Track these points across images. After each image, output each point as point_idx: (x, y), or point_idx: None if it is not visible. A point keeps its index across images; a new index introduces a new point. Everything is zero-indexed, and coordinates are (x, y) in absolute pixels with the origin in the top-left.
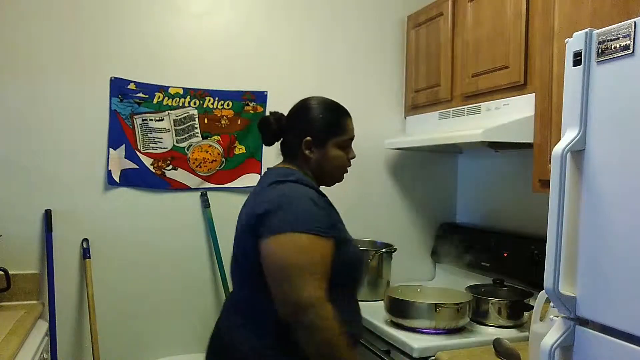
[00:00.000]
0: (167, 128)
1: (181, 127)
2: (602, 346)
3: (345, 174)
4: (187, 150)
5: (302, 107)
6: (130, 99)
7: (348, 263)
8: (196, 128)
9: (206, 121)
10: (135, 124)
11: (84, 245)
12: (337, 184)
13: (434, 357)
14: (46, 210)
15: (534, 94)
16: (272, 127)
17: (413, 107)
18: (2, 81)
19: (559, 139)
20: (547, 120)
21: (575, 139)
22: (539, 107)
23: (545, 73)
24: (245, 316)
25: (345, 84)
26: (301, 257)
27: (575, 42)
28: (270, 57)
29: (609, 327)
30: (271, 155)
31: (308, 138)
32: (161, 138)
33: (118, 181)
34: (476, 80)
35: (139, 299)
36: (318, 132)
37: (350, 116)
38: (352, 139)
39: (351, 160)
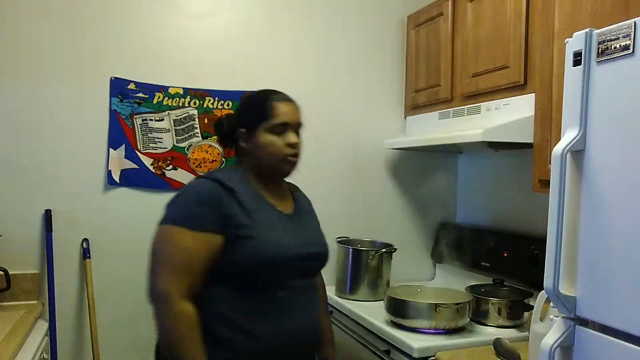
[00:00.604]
0: (167, 128)
1: (181, 127)
2: (602, 346)
3: (293, 164)
4: (187, 150)
5: (239, 103)
6: (130, 99)
7: (244, 261)
8: (196, 128)
9: (206, 121)
10: (135, 124)
11: (84, 245)
12: (335, 183)
13: (434, 357)
14: (46, 210)
15: (534, 94)
16: (224, 128)
17: (413, 107)
18: (2, 81)
19: (559, 139)
20: (547, 120)
21: (575, 139)
22: (539, 107)
23: (545, 73)
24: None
25: (345, 84)
26: (163, 248)
27: (575, 42)
28: (270, 57)
29: (609, 327)
30: None
31: (241, 130)
32: (161, 138)
33: (118, 181)
34: (476, 80)
35: (139, 298)
36: (246, 121)
37: (284, 100)
38: (285, 123)
39: (292, 146)
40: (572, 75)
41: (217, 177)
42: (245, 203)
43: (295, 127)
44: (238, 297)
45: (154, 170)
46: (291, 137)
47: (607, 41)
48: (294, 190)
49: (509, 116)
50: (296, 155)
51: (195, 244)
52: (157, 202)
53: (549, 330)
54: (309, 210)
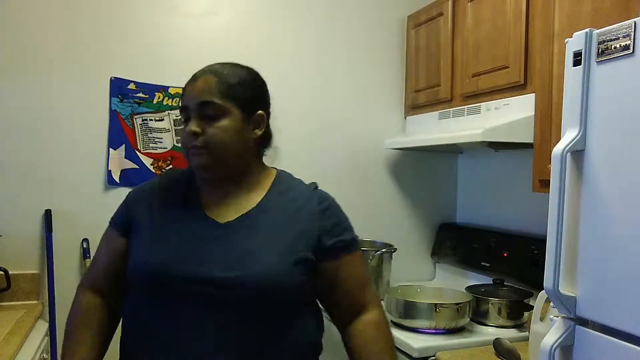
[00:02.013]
0: (167, 128)
1: (181, 127)
2: (602, 346)
3: (197, 159)
4: None
5: None
6: (130, 99)
7: (130, 265)
8: None
9: None
10: (135, 124)
11: (84, 245)
12: (335, 183)
13: (434, 357)
14: (46, 210)
15: (534, 94)
16: None
17: (413, 107)
18: (1, 81)
19: (559, 139)
20: (547, 120)
21: (575, 139)
22: (539, 107)
23: (545, 73)
24: None
25: (345, 84)
26: None
27: (575, 42)
28: (270, 56)
29: (609, 327)
30: (271, 155)
31: None
32: (161, 138)
33: (118, 181)
34: (476, 80)
35: None
36: None
37: (192, 79)
38: (185, 107)
39: (191, 136)
40: (572, 75)
41: (161, 175)
42: (155, 206)
43: (197, 110)
44: (127, 312)
45: (154, 170)
46: (190, 125)
47: (607, 41)
48: (283, 190)
49: (509, 116)
50: (198, 147)
51: (104, 240)
52: None
53: (549, 330)
54: (274, 221)
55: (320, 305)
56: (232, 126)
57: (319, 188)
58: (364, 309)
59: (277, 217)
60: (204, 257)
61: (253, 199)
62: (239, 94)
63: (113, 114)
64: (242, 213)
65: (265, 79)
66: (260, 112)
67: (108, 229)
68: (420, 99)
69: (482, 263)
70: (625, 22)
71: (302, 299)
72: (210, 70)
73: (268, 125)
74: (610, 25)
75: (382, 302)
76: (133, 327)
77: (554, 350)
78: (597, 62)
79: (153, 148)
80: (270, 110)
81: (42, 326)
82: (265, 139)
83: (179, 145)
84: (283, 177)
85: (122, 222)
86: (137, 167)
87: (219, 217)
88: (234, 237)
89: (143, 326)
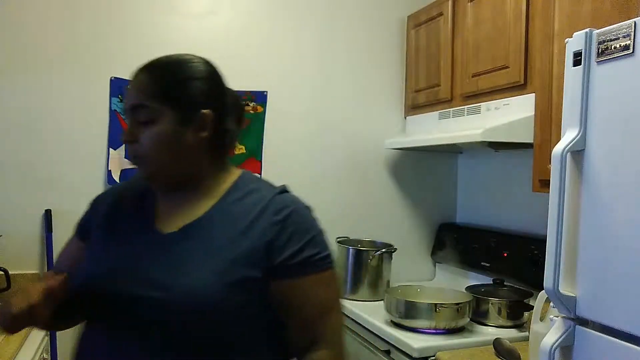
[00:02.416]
0: None
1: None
2: (602, 346)
3: (137, 165)
4: None
5: None
6: None
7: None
8: None
9: None
10: None
11: None
12: (335, 183)
13: (434, 357)
14: (46, 210)
15: (534, 94)
16: None
17: (413, 107)
18: (2, 81)
19: (559, 139)
20: (547, 120)
21: (575, 139)
22: (539, 107)
23: (545, 73)
24: None
25: (345, 84)
26: None
27: (575, 42)
28: (270, 57)
29: (609, 327)
30: (271, 155)
31: None
32: None
33: (118, 181)
34: (476, 80)
35: None
36: None
37: (130, 79)
38: (124, 111)
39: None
40: (572, 75)
41: (128, 180)
42: (110, 213)
43: (130, 114)
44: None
45: None
46: (123, 133)
47: (607, 41)
48: (239, 196)
49: (509, 116)
50: (133, 157)
51: (68, 245)
52: None
53: (549, 330)
54: (220, 232)
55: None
56: (165, 132)
57: (288, 192)
58: (315, 345)
59: (225, 229)
60: (137, 273)
61: (203, 208)
62: (175, 93)
63: (113, 114)
64: (187, 223)
65: (264, 78)
66: (205, 111)
67: (72, 235)
68: (420, 99)
69: (482, 263)
70: (625, 22)
71: (249, 325)
72: (147, 66)
73: (223, 124)
74: (610, 25)
75: (342, 340)
76: (75, 348)
77: (554, 350)
78: (597, 62)
79: None
80: (229, 106)
81: None
82: (220, 140)
83: None
84: (245, 181)
85: (81, 226)
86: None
87: (166, 228)
88: (171, 251)
89: (79, 347)
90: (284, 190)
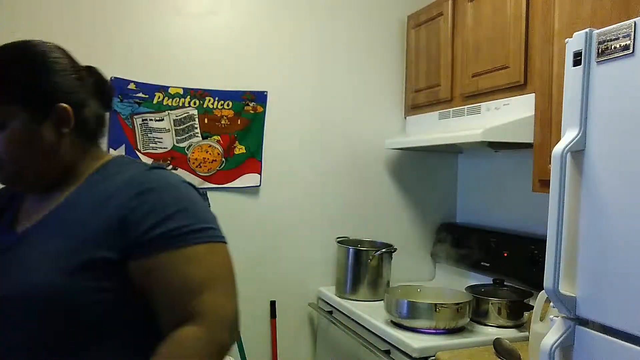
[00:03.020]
0: (167, 128)
1: (181, 127)
2: (602, 346)
3: None
4: (187, 150)
5: None
6: (130, 99)
7: None
8: (196, 128)
9: (206, 121)
10: (135, 124)
11: None
12: (335, 183)
13: (434, 357)
14: None
15: (534, 94)
16: None
17: (413, 107)
18: None
19: (559, 139)
20: (547, 120)
21: (575, 139)
22: (539, 107)
23: (545, 73)
24: None
25: (345, 84)
26: None
27: (575, 42)
28: (270, 57)
29: (609, 327)
30: (271, 155)
31: None
32: (161, 138)
33: None
34: (476, 80)
35: None
36: None
37: None
38: None
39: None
40: (572, 75)
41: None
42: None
43: None
44: None
45: None
46: None
47: (607, 41)
48: (100, 179)
49: (509, 116)
50: None
51: None
52: None
53: (549, 330)
54: (68, 219)
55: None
56: (17, 134)
57: (162, 169)
58: (190, 322)
59: (75, 214)
60: None
61: (62, 198)
62: (21, 90)
63: (113, 114)
64: (40, 217)
65: (264, 78)
66: (61, 104)
67: None
68: (420, 99)
69: (482, 263)
70: (625, 22)
71: (108, 312)
72: None
73: (84, 112)
74: (610, 25)
75: (223, 320)
76: None
77: (554, 350)
78: (597, 62)
79: (153, 148)
80: (91, 89)
81: None
82: (87, 129)
83: (179, 145)
84: (114, 164)
85: None
86: None
87: (19, 226)
88: (21, 248)
89: None
90: (155, 167)
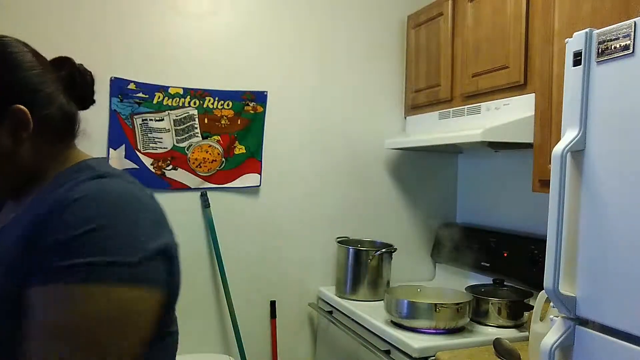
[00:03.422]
0: (167, 128)
1: (181, 127)
2: (602, 346)
3: None
4: (187, 150)
5: None
6: (130, 99)
7: None
8: (196, 128)
9: (206, 121)
10: (135, 124)
11: None
12: (335, 183)
13: (434, 357)
14: None
15: (534, 94)
16: None
17: (413, 107)
18: None
19: (559, 139)
20: (547, 120)
21: (575, 139)
22: (539, 107)
23: (545, 73)
24: None
25: (345, 84)
26: None
27: (575, 42)
28: (270, 56)
29: (609, 327)
30: (271, 155)
31: None
32: (161, 138)
33: None
34: (476, 80)
35: None
36: None
37: None
38: None
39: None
40: (572, 75)
41: None
42: None
43: None
44: None
45: (153, 170)
46: None
47: (607, 41)
48: (49, 190)
49: (509, 116)
50: None
51: None
52: None
53: (549, 330)
54: (9, 239)
55: None
56: None
57: (103, 179)
58: None
59: (12, 234)
60: None
61: (24, 202)
62: None
63: (113, 114)
64: (4, 223)
65: (264, 78)
66: (16, 106)
67: None
68: (420, 99)
69: (482, 263)
70: (625, 22)
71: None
72: None
73: (46, 111)
74: (610, 25)
75: None
76: None
77: (554, 350)
78: (597, 62)
79: (153, 148)
80: (59, 84)
81: None
82: (53, 130)
83: (179, 145)
84: (71, 171)
85: None
86: (137, 167)
87: None
88: None
89: None
90: (98, 176)
